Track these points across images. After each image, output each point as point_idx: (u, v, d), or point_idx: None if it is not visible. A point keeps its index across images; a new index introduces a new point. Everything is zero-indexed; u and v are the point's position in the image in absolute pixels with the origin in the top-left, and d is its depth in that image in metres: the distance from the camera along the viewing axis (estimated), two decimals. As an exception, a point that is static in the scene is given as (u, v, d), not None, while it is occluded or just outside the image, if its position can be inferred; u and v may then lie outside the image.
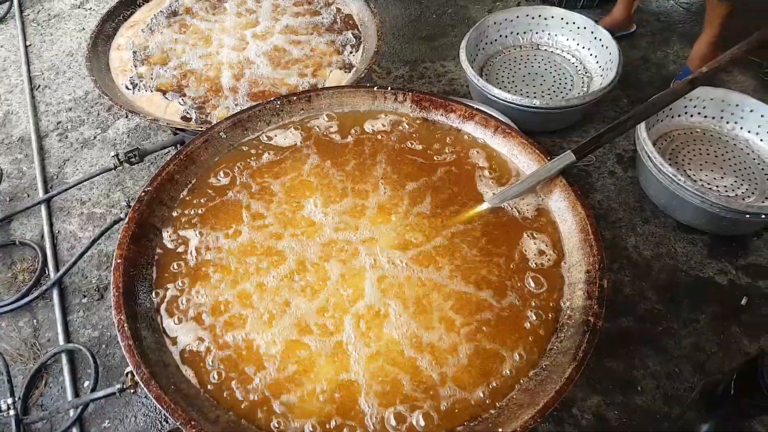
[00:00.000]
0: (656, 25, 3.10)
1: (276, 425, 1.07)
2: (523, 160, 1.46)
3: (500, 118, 1.55)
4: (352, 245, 1.31)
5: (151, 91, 1.96)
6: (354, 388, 1.11)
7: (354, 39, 2.16)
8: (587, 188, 2.30)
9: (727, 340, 1.86)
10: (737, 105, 2.32)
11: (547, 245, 1.31)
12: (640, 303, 1.95)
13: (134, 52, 2.10)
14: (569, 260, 1.28)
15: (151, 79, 2.00)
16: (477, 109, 1.53)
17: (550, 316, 1.21)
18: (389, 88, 1.58)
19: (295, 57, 2.08)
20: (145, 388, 1.05)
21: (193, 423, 1.01)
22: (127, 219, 1.27)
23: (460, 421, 1.07)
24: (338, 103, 1.60)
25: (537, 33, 2.78)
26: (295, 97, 1.56)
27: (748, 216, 1.92)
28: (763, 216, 1.90)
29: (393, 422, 1.07)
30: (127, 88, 1.98)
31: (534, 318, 1.20)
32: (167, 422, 1.71)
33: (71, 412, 1.70)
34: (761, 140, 2.30)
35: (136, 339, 1.12)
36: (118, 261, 1.21)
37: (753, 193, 2.15)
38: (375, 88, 1.58)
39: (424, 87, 2.76)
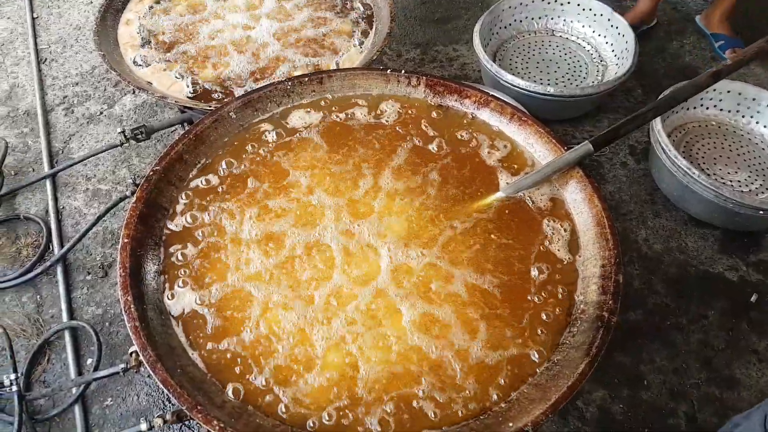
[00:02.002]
0: (672, 14, 3.04)
1: (282, 410, 1.06)
2: (539, 149, 1.43)
3: (516, 106, 1.52)
4: (362, 232, 1.29)
5: (161, 69, 1.92)
6: (362, 376, 1.10)
7: (366, 20, 2.11)
8: (598, 179, 2.26)
9: (736, 337, 1.85)
10: (754, 99, 2.28)
11: (562, 237, 1.29)
12: (649, 297, 1.93)
13: (142, 28, 2.06)
14: (584, 253, 1.25)
15: (160, 55, 1.96)
16: (492, 95, 1.50)
17: (563, 309, 1.19)
18: (402, 72, 1.55)
19: (308, 37, 2.04)
20: (151, 371, 1.03)
21: (199, 408, 0.99)
22: (135, 198, 1.25)
23: (470, 414, 1.06)
24: (350, 85, 1.57)
25: (552, 18, 2.72)
26: (306, 78, 1.53)
27: (761, 212, 1.89)
28: (778, 213, 1.87)
29: (401, 412, 1.06)
30: (135, 63, 1.94)
31: (547, 311, 1.18)
32: (170, 402, 1.70)
33: (74, 390, 1.69)
34: (777, 135, 2.26)
35: (142, 321, 1.11)
36: (125, 240, 1.19)
37: (767, 189, 2.12)
38: (388, 71, 1.55)
39: (436, 71, 2.71)
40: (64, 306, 1.90)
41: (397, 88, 1.56)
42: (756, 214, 1.90)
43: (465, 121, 1.51)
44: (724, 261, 2.04)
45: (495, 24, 2.64)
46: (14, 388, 1.60)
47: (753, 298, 1.93)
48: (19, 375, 1.63)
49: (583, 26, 2.68)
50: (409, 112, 1.53)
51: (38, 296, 1.95)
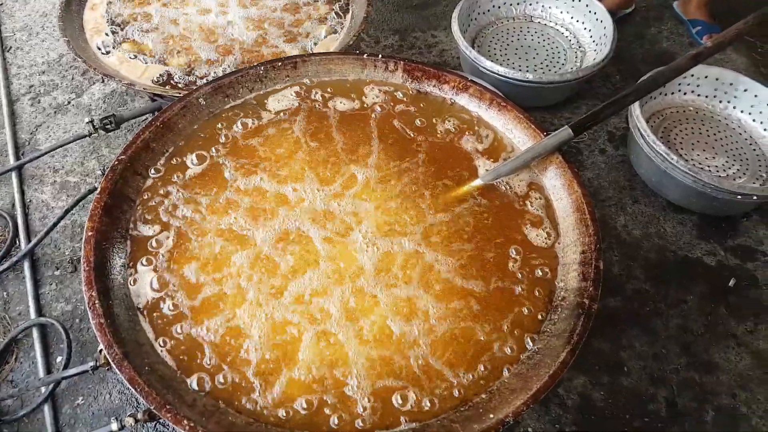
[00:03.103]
0: (650, 0, 3.03)
1: (256, 406, 1.03)
2: (518, 135, 1.40)
3: (495, 91, 1.49)
4: (338, 220, 1.25)
5: (128, 54, 1.85)
6: (340, 369, 1.06)
7: (342, 3, 2.06)
8: (578, 165, 2.25)
9: (714, 321, 1.85)
10: (731, 84, 2.28)
11: (541, 224, 1.26)
12: (628, 283, 1.92)
13: (108, 13, 1.98)
14: (564, 240, 1.24)
15: (126, 41, 1.89)
16: (471, 80, 1.47)
17: (543, 296, 1.16)
18: (380, 56, 1.51)
19: (280, 21, 1.99)
20: (117, 370, 0.99)
21: (168, 407, 0.95)
22: (99, 189, 1.20)
23: (450, 406, 1.03)
24: (325, 70, 1.52)
25: (531, 4, 2.70)
26: (279, 63, 1.48)
27: (739, 197, 1.89)
28: (755, 197, 1.87)
29: (379, 405, 1.03)
30: (100, 50, 1.87)
31: (526, 299, 1.16)
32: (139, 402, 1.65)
33: (43, 389, 1.63)
34: (754, 120, 2.27)
35: (108, 317, 1.06)
36: (89, 233, 1.14)
37: (744, 174, 2.13)
38: (365, 56, 1.51)
39: (414, 57, 2.67)
40: (31, 303, 1.83)
41: (375, 73, 1.52)
42: (734, 198, 1.91)
43: (443, 107, 1.48)
44: (702, 246, 2.04)
45: (473, 10, 2.60)
46: (-21, 388, 1.54)
47: (731, 283, 1.94)
48: (-16, 375, 1.57)
49: (561, 12, 2.66)
50: (386, 97, 1.49)
51: (4, 293, 1.88)
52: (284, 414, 1.02)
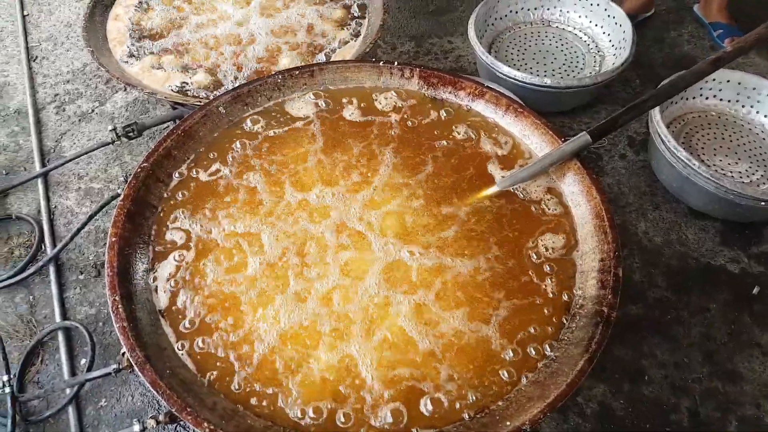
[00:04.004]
0: (670, 3, 3.00)
1: (275, 410, 1.04)
2: (535, 141, 1.40)
3: (511, 97, 1.49)
4: (355, 227, 1.26)
5: (151, 65, 1.89)
6: (357, 375, 1.07)
7: (358, 11, 2.08)
8: (597, 171, 2.24)
9: (738, 329, 1.82)
10: (754, 88, 2.25)
11: (559, 231, 1.26)
12: (649, 290, 1.90)
13: (131, 23, 2.02)
14: (582, 247, 1.23)
15: (149, 51, 1.93)
16: (488, 86, 1.47)
17: (561, 304, 1.16)
18: (396, 64, 1.51)
19: (297, 29, 2.01)
20: (139, 373, 1.01)
21: (189, 410, 0.97)
22: (122, 196, 1.22)
23: (466, 413, 1.03)
24: (342, 78, 1.54)
25: (548, 9, 2.69)
26: (297, 72, 1.50)
27: (763, 203, 1.86)
28: (779, 203, 1.84)
29: (396, 411, 1.03)
30: (124, 60, 1.91)
31: (543, 306, 1.16)
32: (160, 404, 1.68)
33: (67, 391, 1.67)
34: (778, 125, 2.23)
35: (131, 321, 1.08)
36: (113, 239, 1.17)
37: (768, 180, 2.10)
38: (381, 63, 1.52)
39: (431, 63, 2.68)
40: (56, 306, 1.88)
41: (390, 80, 1.53)
42: (757, 205, 1.87)
43: (460, 114, 1.48)
44: (725, 253, 2.01)
45: (490, 15, 2.60)
46: (7, 389, 1.58)
47: (755, 291, 1.91)
48: (12, 376, 1.61)
49: (579, 16, 2.65)
50: (403, 105, 1.50)
51: (31, 297, 1.92)
52: (301, 417, 1.03)
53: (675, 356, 1.76)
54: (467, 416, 1.03)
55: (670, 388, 1.70)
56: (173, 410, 0.98)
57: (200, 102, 1.70)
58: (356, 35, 2.00)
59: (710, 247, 2.03)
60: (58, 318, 1.85)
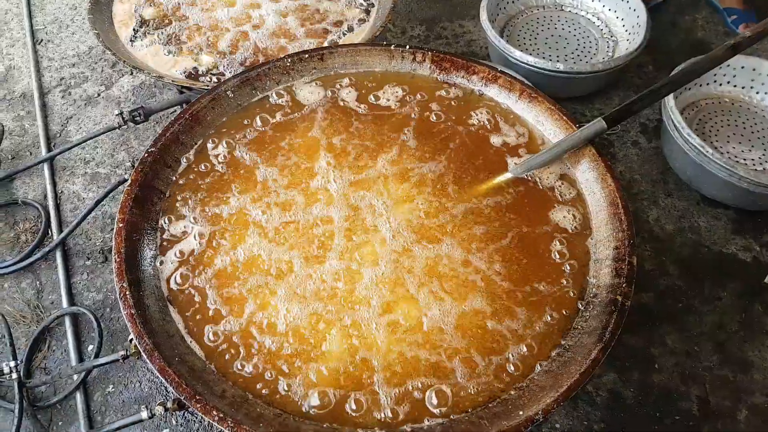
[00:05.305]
0: (685, -13, 2.94)
1: (281, 398, 1.03)
2: (549, 127, 1.37)
3: (525, 82, 1.46)
4: (366, 214, 1.25)
5: (158, 47, 1.86)
6: (369, 363, 1.06)
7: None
8: (609, 158, 2.20)
9: (749, 318, 1.80)
10: (769, 74, 2.21)
11: (573, 218, 1.24)
12: (660, 278, 1.88)
13: (137, 5, 2.00)
14: (596, 235, 1.21)
15: (156, 34, 1.91)
16: (501, 71, 1.44)
17: (575, 293, 1.14)
18: (407, 47, 1.49)
19: (307, 13, 1.98)
20: (147, 360, 1.00)
21: (198, 397, 0.96)
22: (129, 181, 1.21)
23: (479, 401, 1.02)
24: (352, 62, 1.51)
25: (561, -7, 2.64)
26: (306, 55, 1.48)
27: (777, 191, 1.83)
28: (794, 191, 1.81)
29: (407, 400, 1.02)
30: (131, 42, 1.89)
31: (557, 294, 1.14)
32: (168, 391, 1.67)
33: (75, 377, 1.67)
34: (793, 112, 2.19)
35: (138, 307, 1.07)
36: (120, 225, 1.15)
37: (783, 167, 2.06)
38: (392, 47, 1.49)
39: (442, 48, 2.64)
40: (63, 292, 1.87)
41: (402, 64, 1.51)
42: (771, 193, 1.85)
43: (472, 99, 1.45)
44: (737, 241, 1.98)
45: (502, -1, 2.56)
46: (14, 375, 1.57)
47: (767, 279, 1.88)
48: (19, 362, 1.60)
49: (593, 1, 2.60)
50: (414, 89, 1.47)
51: (38, 282, 1.92)
52: (311, 405, 1.02)
53: (685, 345, 1.74)
54: (479, 405, 1.02)
55: (681, 376, 1.68)
56: (182, 398, 0.97)
57: (208, 86, 1.67)
58: (367, 12, 1.96)
59: (722, 235, 2.00)
60: (65, 304, 1.85)
